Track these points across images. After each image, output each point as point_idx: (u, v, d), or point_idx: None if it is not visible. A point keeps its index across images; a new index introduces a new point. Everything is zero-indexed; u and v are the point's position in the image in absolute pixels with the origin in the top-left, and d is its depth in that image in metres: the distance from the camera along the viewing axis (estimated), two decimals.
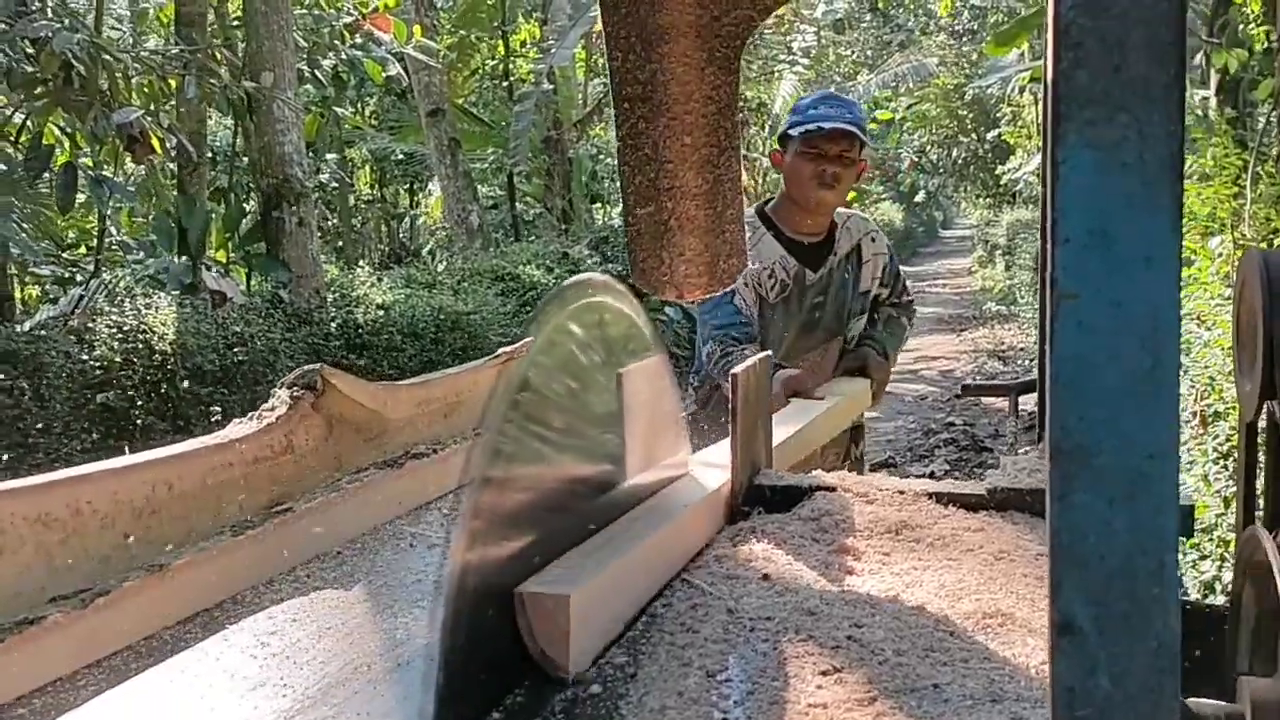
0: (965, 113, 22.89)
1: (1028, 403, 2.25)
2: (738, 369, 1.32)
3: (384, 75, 8.64)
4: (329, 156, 11.92)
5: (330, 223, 14.44)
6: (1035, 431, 1.62)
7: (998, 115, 20.45)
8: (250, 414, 1.30)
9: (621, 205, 1.38)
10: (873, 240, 2.93)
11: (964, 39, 22.35)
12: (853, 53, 22.73)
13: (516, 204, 15.08)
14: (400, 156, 16.47)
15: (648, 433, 1.13)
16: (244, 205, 8.72)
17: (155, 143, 6.08)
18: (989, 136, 20.46)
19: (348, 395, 1.41)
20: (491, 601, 0.82)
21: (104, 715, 0.83)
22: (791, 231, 2.83)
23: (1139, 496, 0.49)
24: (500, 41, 15.10)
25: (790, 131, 2.74)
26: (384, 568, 1.18)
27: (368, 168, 17.69)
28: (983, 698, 0.78)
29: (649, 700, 0.80)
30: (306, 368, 1.36)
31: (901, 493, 1.35)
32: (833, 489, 1.35)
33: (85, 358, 5.52)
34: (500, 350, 1.85)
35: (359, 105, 14.39)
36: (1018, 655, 0.86)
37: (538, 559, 0.90)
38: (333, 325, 7.28)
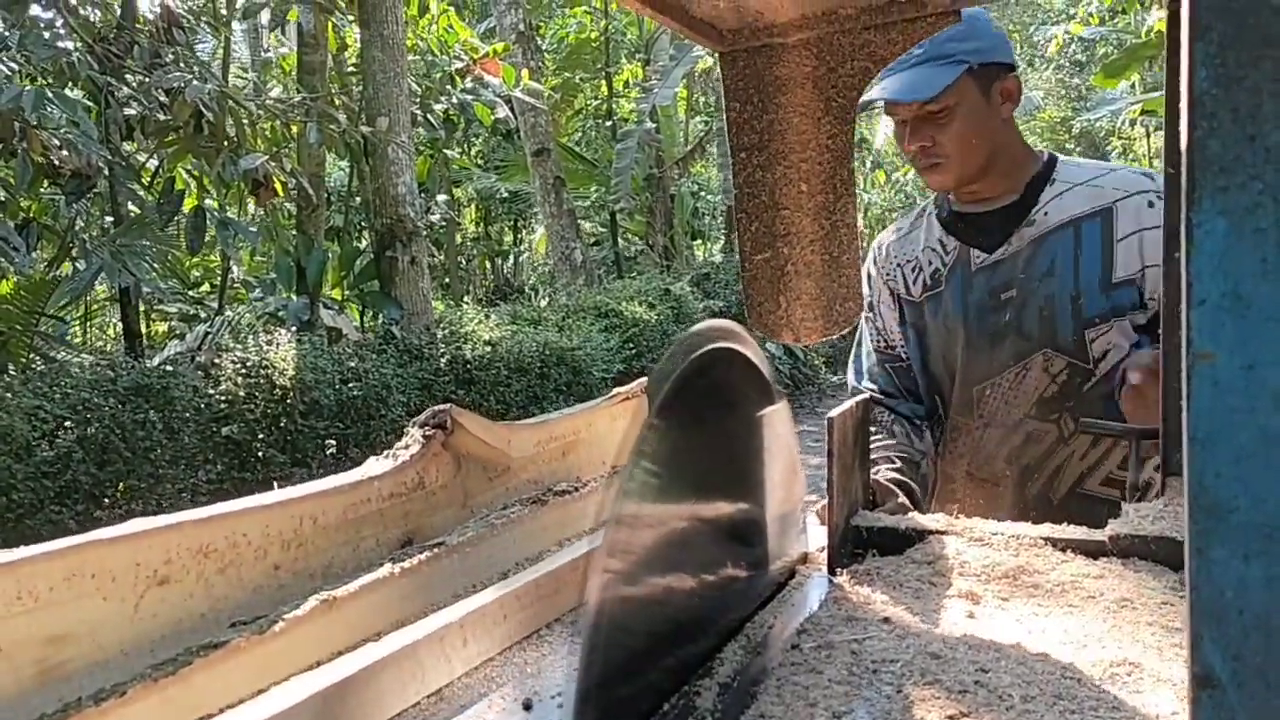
0: (1072, 146, 22.47)
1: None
2: (833, 413, 1.32)
3: (492, 118, 8.90)
4: (439, 197, 12.30)
5: (437, 260, 14.85)
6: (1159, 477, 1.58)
7: (1107, 148, 20.01)
8: (385, 452, 1.37)
9: (739, 251, 1.41)
10: (1150, 205, 1.80)
11: (1071, 72, 21.98)
12: None
13: (619, 241, 15.31)
14: (505, 195, 16.91)
15: (768, 474, 1.16)
16: (358, 244, 9.05)
17: (278, 186, 6.36)
18: None
19: (474, 434, 1.47)
20: (627, 636, 0.86)
21: None
22: (957, 201, 1.99)
23: (1273, 552, 0.51)
24: (604, 82, 15.42)
25: None
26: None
27: (473, 206, 18.18)
28: None
29: None
30: (437, 408, 1.43)
31: (1016, 537, 1.34)
32: (944, 532, 1.36)
33: (211, 392, 5.77)
34: (615, 391, 1.90)
35: (466, 146, 14.83)
36: (1148, 704, 0.86)
37: (664, 594, 0.93)
38: (443, 360, 7.48)
